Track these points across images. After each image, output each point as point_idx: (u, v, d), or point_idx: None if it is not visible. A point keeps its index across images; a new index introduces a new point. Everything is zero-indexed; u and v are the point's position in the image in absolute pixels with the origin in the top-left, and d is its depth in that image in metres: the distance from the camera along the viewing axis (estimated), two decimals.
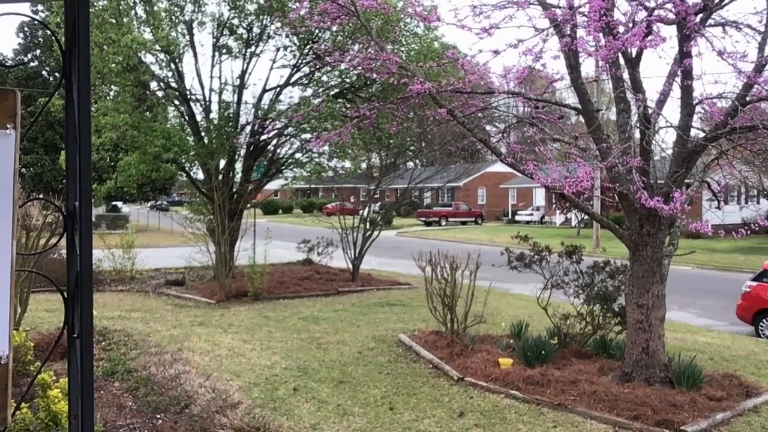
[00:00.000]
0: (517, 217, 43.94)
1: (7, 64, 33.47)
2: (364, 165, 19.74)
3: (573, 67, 6.78)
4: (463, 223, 43.88)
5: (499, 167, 42.20)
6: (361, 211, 16.79)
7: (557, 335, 7.96)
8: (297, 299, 12.57)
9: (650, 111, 6.31)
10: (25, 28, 35.44)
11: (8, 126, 1.43)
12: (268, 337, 9.10)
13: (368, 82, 13.83)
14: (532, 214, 43.25)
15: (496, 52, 6.47)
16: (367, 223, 15.36)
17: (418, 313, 10.77)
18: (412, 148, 17.68)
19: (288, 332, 9.42)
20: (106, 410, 5.80)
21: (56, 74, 34.56)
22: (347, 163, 17.55)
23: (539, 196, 44.65)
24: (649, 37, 5.91)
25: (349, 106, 13.97)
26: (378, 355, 8.17)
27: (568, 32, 6.42)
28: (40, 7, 17.26)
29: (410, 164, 22.21)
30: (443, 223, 42.95)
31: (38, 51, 35.61)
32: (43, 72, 35.23)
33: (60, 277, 2.38)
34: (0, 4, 2.06)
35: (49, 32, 28.64)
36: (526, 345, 7.48)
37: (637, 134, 6.78)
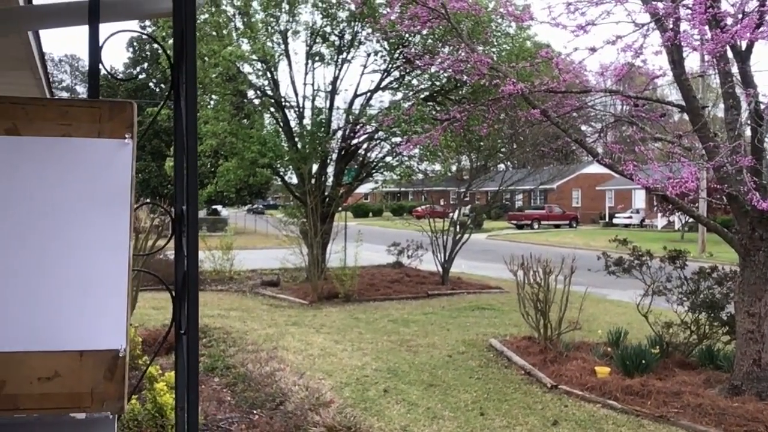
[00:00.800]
0: (614, 220, 42.15)
1: (118, 77, 36.02)
2: (454, 168, 19.59)
3: (676, 62, 6.42)
4: (557, 226, 42.63)
5: (595, 168, 40.67)
6: (451, 214, 16.69)
7: (659, 344, 7.56)
8: (387, 301, 12.67)
9: (762, 107, 5.88)
10: (134, 43, 37.99)
11: (126, 136, 1.53)
12: (359, 338, 9.23)
13: (458, 85, 13.74)
14: (631, 217, 41.34)
15: (593, 50, 6.25)
16: (457, 226, 15.24)
17: (510, 317, 10.57)
18: (503, 150, 17.36)
19: (378, 334, 9.52)
20: (207, 404, 6.09)
21: (162, 86, 36.82)
22: (437, 166, 17.52)
23: (639, 198, 42.64)
24: (761, 29, 5.51)
25: (439, 109, 13.94)
26: (468, 359, 8.08)
27: (671, 26, 6.10)
28: (147, 22, 18.39)
29: (501, 166, 21.75)
30: (536, 226, 41.92)
31: (146, 64, 38.07)
32: (150, 84, 37.60)
33: (165, 277, 2.51)
34: (113, 22, 2.21)
35: (156, 46, 30.53)
36: (625, 354, 7.15)
37: (748, 132, 6.34)
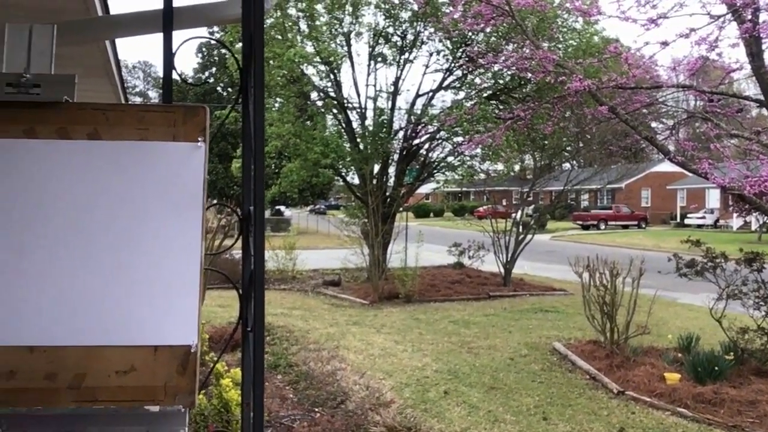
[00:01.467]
0: (686, 221, 40.42)
1: (189, 81, 37.31)
2: (517, 167, 19.28)
3: (755, 54, 6.10)
4: (625, 227, 41.29)
5: (666, 167, 39.15)
6: (513, 215, 16.43)
7: (733, 350, 7.20)
8: (447, 302, 12.60)
9: None
10: (203, 49, 39.27)
11: (199, 139, 1.59)
12: (419, 339, 9.22)
13: (522, 83, 13.52)
14: (704, 217, 39.54)
15: (665, 44, 6.03)
16: (520, 227, 15.00)
17: (574, 320, 10.32)
18: (568, 148, 16.98)
19: (438, 335, 9.48)
20: (270, 401, 6.22)
21: (229, 89, 37.89)
22: (500, 166, 17.29)
23: (713, 198, 40.75)
24: None
25: (502, 107, 13.76)
26: (531, 362, 7.94)
27: (749, 17, 5.80)
28: (215, 28, 18.96)
29: (566, 165, 21.28)
30: (602, 226, 40.74)
31: (213, 69, 39.28)
32: (218, 87, 38.76)
33: (231, 276, 2.59)
34: (185, 30, 2.29)
35: (224, 51, 31.43)
36: (697, 360, 6.85)
37: None
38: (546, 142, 14.69)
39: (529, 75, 8.01)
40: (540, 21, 9.94)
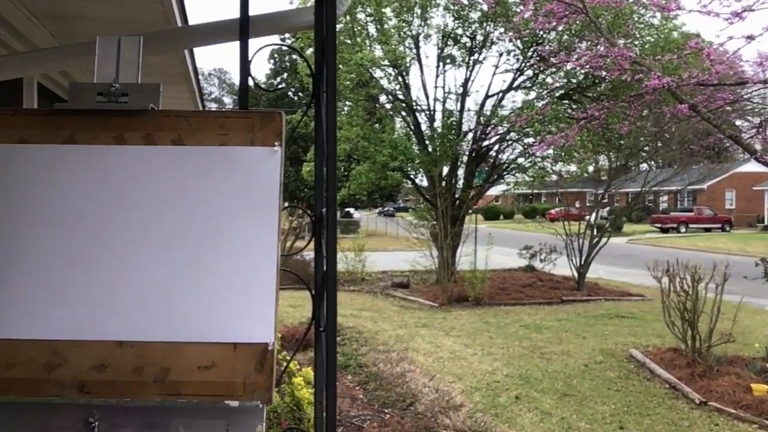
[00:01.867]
0: None
1: (263, 87, 38.42)
2: (591, 168, 18.72)
3: None
4: (707, 230, 39.34)
5: (752, 167, 37.02)
6: (587, 217, 15.97)
7: None
8: (518, 306, 12.39)
9: None
10: (275, 55, 40.35)
11: (276, 144, 1.64)
12: (489, 342, 9.11)
13: (597, 81, 13.15)
14: None
15: (750, 38, 5.71)
16: (594, 230, 14.56)
17: (652, 327, 9.92)
18: (646, 148, 16.35)
19: (509, 339, 9.33)
20: (340, 400, 6.31)
21: (300, 94, 38.72)
22: (573, 167, 16.86)
23: None
24: None
25: (575, 107, 13.42)
26: (606, 369, 7.69)
27: None
28: (286, 35, 19.44)
29: (644, 166, 20.48)
30: (682, 229, 38.96)
31: (285, 74, 40.28)
32: (289, 92, 39.70)
33: (302, 276, 2.65)
34: (260, 38, 2.36)
35: (294, 57, 32.16)
36: None
37: None
38: (622, 142, 14.22)
39: (604, 73, 7.77)
40: (615, 17, 9.62)
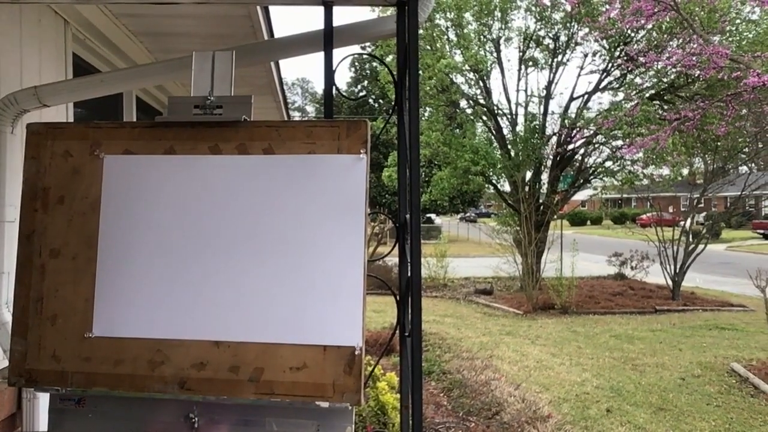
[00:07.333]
0: None
1: (345, 96, 39.18)
2: (685, 171, 17.82)
3: None
4: None
5: None
6: (682, 223, 15.18)
7: None
8: (608, 315, 11.93)
9: None
10: (356, 63, 41.06)
11: (361, 151, 1.68)
12: (578, 352, 8.82)
13: (690, 80, 12.51)
14: None
15: None
16: (690, 236, 13.81)
17: (756, 340, 9.28)
18: (745, 150, 15.36)
19: (599, 349, 9.00)
20: (425, 407, 6.29)
21: (380, 101, 39.16)
22: (665, 170, 16.08)
23: None
24: None
25: (666, 108, 12.82)
26: (705, 383, 7.27)
27: None
28: (367, 44, 19.74)
29: (743, 168, 19.29)
30: None
31: (365, 82, 40.88)
32: (369, 99, 40.23)
33: (385, 282, 2.67)
34: (343, 47, 2.42)
35: (375, 64, 32.59)
36: None
37: None
38: (719, 143, 13.42)
39: (698, 72, 7.38)
40: (710, 13, 9.13)
